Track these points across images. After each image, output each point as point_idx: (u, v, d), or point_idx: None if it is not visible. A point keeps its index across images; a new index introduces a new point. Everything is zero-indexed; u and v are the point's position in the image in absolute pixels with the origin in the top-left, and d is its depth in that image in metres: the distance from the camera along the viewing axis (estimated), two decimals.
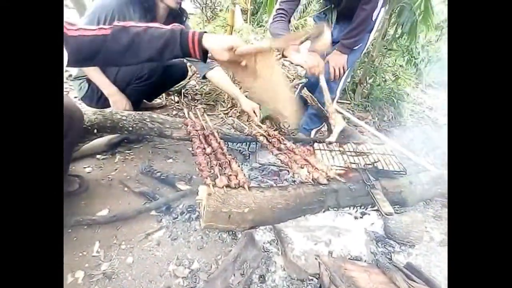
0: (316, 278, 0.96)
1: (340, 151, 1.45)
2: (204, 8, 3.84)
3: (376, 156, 1.40)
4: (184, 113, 1.57)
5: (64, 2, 3.60)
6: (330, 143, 1.43)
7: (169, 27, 0.93)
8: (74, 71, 1.63)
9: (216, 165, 1.10)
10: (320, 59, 1.50)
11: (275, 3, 1.92)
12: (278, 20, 1.59)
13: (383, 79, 2.92)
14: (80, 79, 1.60)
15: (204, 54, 0.94)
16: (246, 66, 0.96)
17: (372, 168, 1.31)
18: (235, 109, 2.21)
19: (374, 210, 1.25)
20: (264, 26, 3.90)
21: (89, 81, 1.57)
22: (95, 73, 1.50)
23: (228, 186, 1.01)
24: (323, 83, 1.56)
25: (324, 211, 1.18)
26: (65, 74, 2.03)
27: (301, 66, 1.52)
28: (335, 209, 1.20)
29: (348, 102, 2.69)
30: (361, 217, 1.23)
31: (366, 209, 1.26)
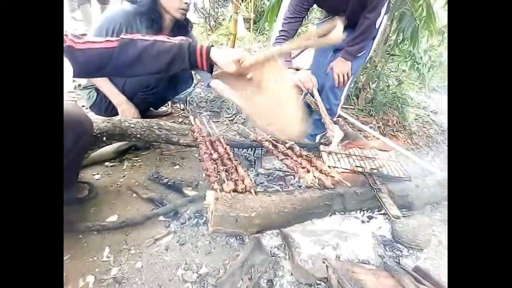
0: (324, 282, 0.96)
1: (346, 154, 1.46)
2: (208, 18, 3.92)
3: (381, 161, 1.41)
4: (190, 120, 1.59)
5: (72, 15, 3.71)
6: (330, 152, 1.45)
7: (176, 40, 0.96)
8: (82, 81, 1.67)
9: (223, 170, 1.11)
10: (312, 75, 1.55)
11: (277, 12, 1.96)
12: (279, 42, 1.62)
13: (386, 84, 2.93)
14: (88, 89, 1.64)
15: (211, 67, 0.99)
16: (252, 79, 0.97)
17: (377, 173, 1.32)
18: (239, 116, 2.24)
19: (381, 214, 1.25)
20: (266, 34, 3.96)
21: (97, 91, 1.61)
22: (103, 83, 1.54)
23: (235, 190, 1.02)
24: (317, 96, 1.60)
25: (330, 215, 1.18)
26: (74, 84, 2.07)
27: (296, 85, 1.57)
28: (341, 213, 1.20)
29: (352, 107, 2.70)
30: (368, 221, 1.23)
31: (373, 213, 1.26)
